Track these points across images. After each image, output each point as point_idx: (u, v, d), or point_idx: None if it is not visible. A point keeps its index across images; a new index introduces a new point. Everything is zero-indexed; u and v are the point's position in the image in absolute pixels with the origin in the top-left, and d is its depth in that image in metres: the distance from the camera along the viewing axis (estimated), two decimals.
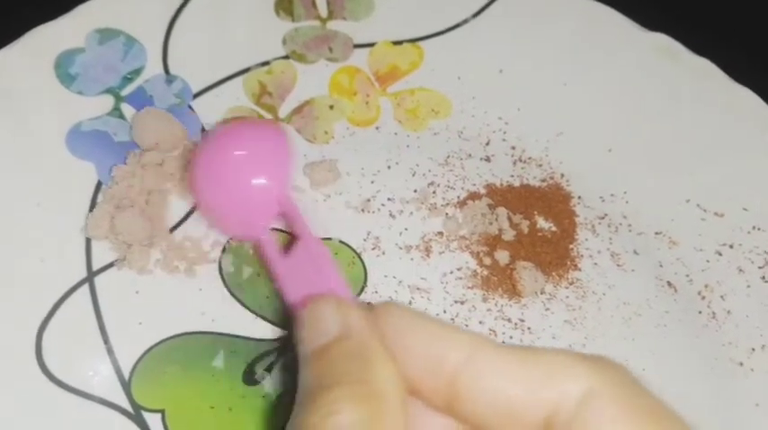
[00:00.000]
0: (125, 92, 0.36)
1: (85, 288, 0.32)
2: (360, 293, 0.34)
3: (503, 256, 0.35)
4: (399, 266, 0.35)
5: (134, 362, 0.31)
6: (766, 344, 0.34)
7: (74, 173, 0.34)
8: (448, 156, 0.38)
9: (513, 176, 0.38)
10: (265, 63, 0.39)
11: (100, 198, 0.34)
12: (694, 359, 0.34)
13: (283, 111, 0.38)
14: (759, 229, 0.37)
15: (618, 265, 0.36)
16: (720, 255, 0.36)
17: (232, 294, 0.33)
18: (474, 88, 0.40)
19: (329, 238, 0.35)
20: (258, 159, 0.29)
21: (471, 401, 0.19)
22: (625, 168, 0.38)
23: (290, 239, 0.28)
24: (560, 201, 0.37)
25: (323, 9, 0.41)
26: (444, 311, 0.34)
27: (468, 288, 0.34)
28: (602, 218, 0.37)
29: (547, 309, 0.34)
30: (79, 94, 0.36)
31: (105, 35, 0.37)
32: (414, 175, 0.37)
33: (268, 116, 0.38)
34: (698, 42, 0.40)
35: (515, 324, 0.34)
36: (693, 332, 0.35)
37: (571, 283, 0.35)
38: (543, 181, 0.38)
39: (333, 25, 0.41)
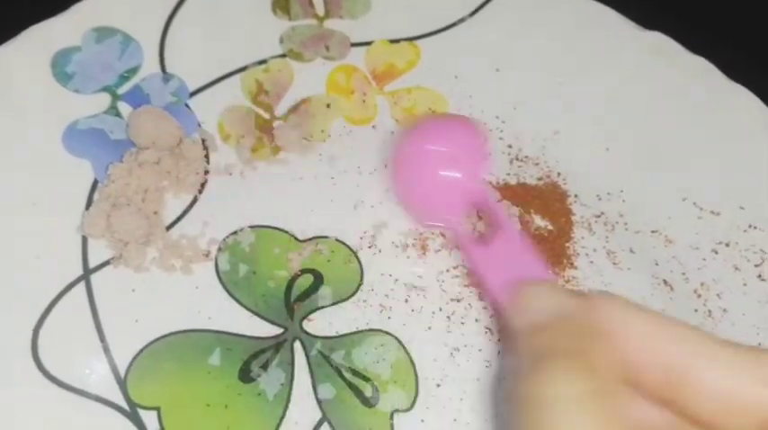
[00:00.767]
0: (122, 90, 0.36)
1: (82, 286, 0.32)
2: (355, 292, 0.34)
3: None
4: (396, 264, 0.35)
5: (130, 359, 0.31)
6: (762, 342, 0.34)
7: (70, 171, 0.34)
8: None
9: (509, 175, 0.38)
10: (262, 62, 0.39)
11: (96, 196, 0.34)
12: None
13: (280, 110, 0.38)
14: (755, 228, 0.37)
15: (614, 264, 0.36)
16: (716, 253, 0.37)
17: (228, 292, 0.33)
18: (471, 87, 0.40)
19: (326, 237, 0.35)
20: (452, 154, 0.32)
21: (696, 395, 0.19)
22: (622, 167, 0.38)
23: (484, 230, 0.30)
24: (557, 200, 0.37)
25: (320, 8, 0.41)
26: (440, 309, 0.34)
27: (465, 286, 0.34)
28: (599, 216, 0.37)
29: None
30: (76, 92, 0.36)
31: (102, 34, 0.37)
32: None
33: (265, 115, 0.38)
34: (694, 41, 0.40)
35: None
36: None
37: (567, 282, 0.35)
38: (540, 179, 0.38)
39: (330, 24, 0.41)
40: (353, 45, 0.40)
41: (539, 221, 0.37)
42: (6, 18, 0.37)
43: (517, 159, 0.39)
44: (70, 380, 0.30)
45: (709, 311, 0.35)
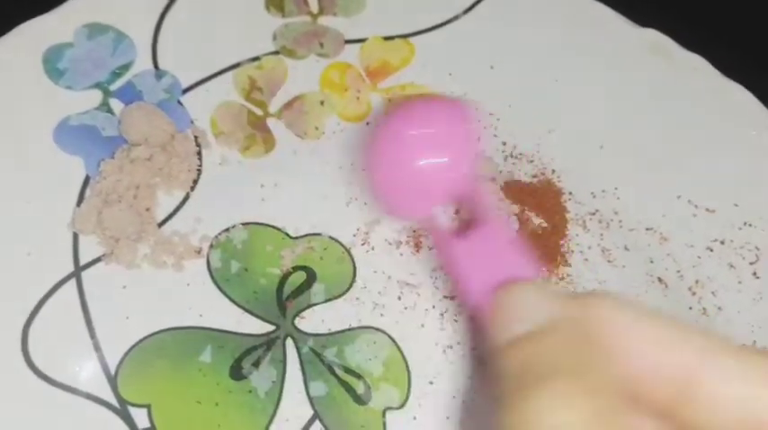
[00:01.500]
0: (114, 87, 0.36)
1: (72, 282, 0.32)
2: (348, 289, 0.34)
3: None
4: (389, 261, 0.34)
5: (121, 356, 0.31)
6: (757, 340, 0.34)
7: (62, 167, 0.34)
8: None
9: (504, 172, 0.38)
10: (255, 58, 0.39)
11: (88, 192, 0.34)
12: None
13: (274, 107, 0.38)
14: (750, 225, 0.37)
15: (608, 261, 0.36)
16: (711, 250, 0.36)
17: (220, 289, 0.33)
18: (465, 84, 0.40)
19: (318, 234, 0.35)
20: (434, 139, 0.26)
21: (707, 407, 0.17)
22: (616, 164, 0.38)
23: (465, 223, 0.25)
24: (551, 197, 0.37)
25: (314, 4, 0.41)
26: (433, 307, 0.34)
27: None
28: (593, 214, 0.37)
29: None
30: (68, 88, 0.36)
31: (94, 30, 0.37)
32: None
33: (258, 112, 0.37)
34: (690, 39, 0.40)
35: None
36: None
37: (561, 279, 0.35)
38: (534, 176, 0.38)
39: (323, 21, 0.40)
40: (347, 42, 0.40)
41: (533, 219, 0.36)
42: None
43: (512, 156, 0.38)
44: (60, 377, 0.30)
45: (704, 309, 0.35)
